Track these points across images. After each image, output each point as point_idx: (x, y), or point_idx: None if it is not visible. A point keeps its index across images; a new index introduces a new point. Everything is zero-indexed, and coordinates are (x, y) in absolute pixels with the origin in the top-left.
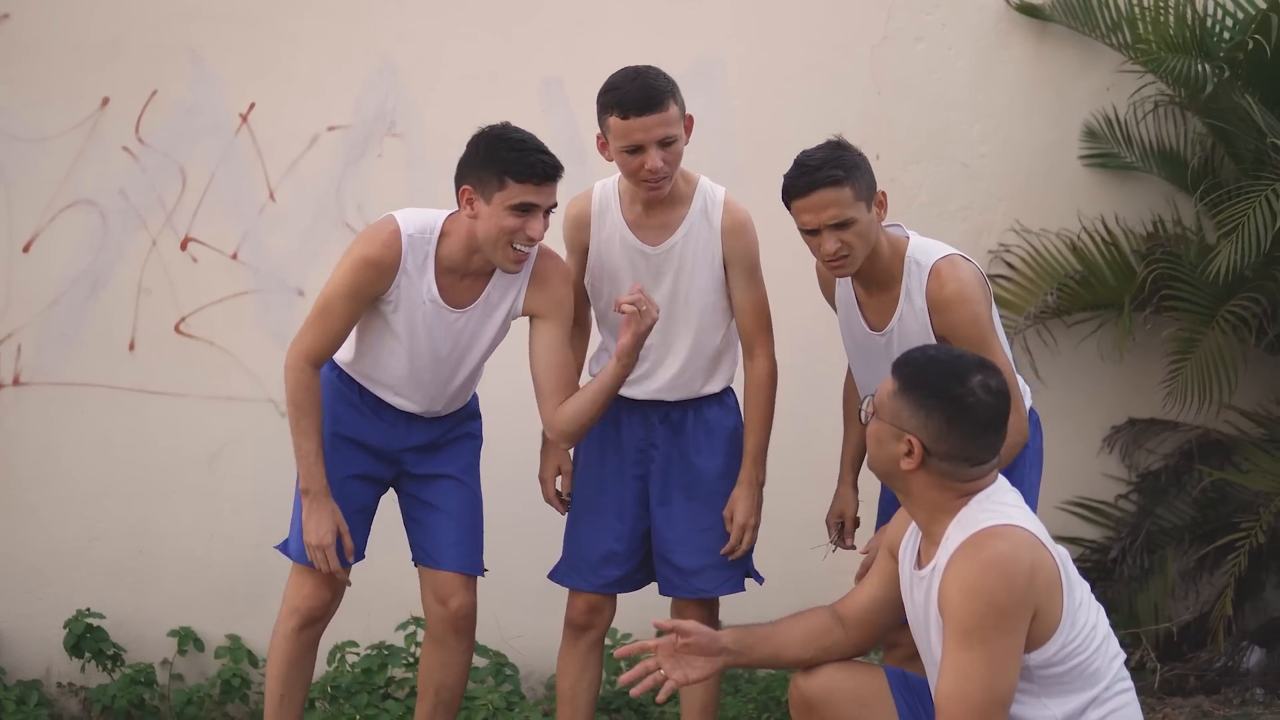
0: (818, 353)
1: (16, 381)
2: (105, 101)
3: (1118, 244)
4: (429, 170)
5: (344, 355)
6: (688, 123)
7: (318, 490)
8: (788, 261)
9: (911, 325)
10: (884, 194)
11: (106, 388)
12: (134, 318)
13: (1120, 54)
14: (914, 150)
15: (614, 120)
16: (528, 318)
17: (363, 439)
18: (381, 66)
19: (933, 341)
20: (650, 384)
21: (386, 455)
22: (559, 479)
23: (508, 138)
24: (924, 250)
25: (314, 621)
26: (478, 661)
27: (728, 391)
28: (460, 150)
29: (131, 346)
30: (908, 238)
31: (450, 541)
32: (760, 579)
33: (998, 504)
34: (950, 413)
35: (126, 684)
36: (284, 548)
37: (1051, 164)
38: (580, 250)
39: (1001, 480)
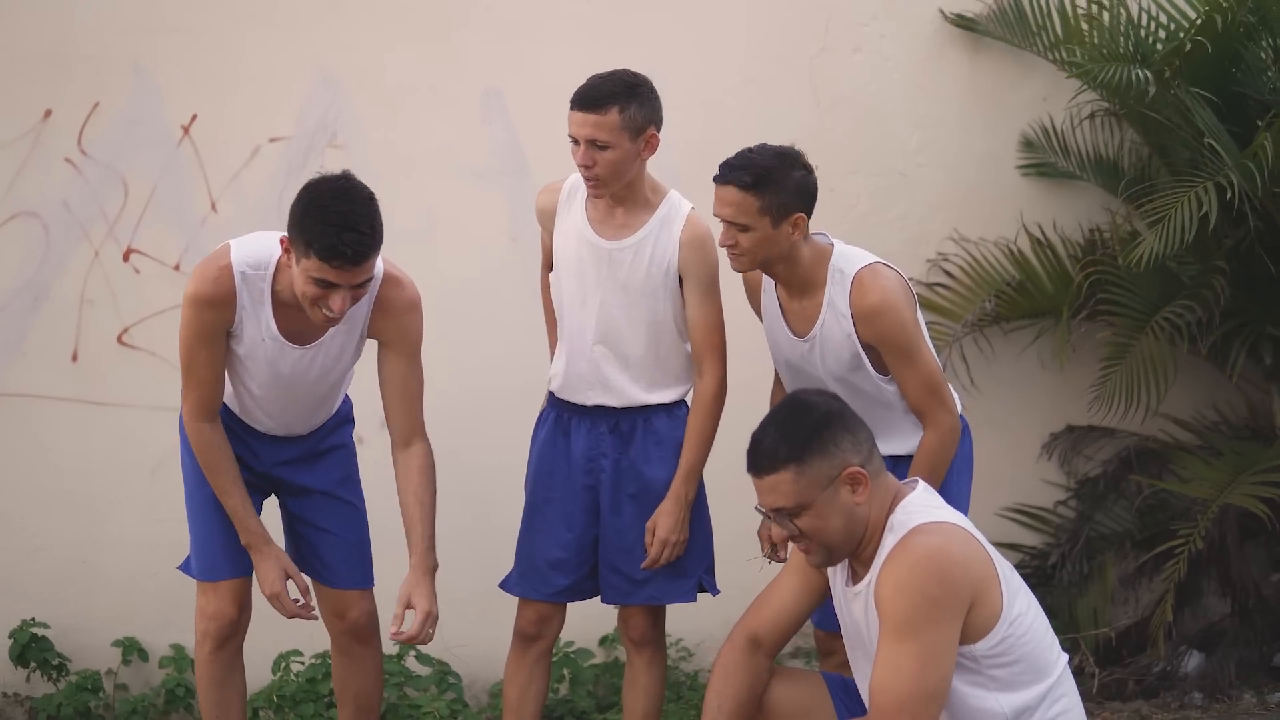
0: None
1: None
2: (48, 113)
3: (1055, 252)
4: (371, 181)
5: None
6: (649, 139)
7: (256, 542)
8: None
9: (835, 332)
10: (804, 219)
11: (50, 399)
12: (77, 329)
13: (1056, 66)
14: (852, 160)
15: (570, 108)
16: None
17: (241, 455)
18: (323, 78)
19: (855, 350)
20: (596, 392)
21: (261, 473)
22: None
23: (323, 208)
24: (847, 259)
25: (227, 640)
26: (420, 670)
27: (679, 404)
28: (403, 163)
29: (75, 357)
30: (832, 245)
31: (338, 560)
32: (715, 591)
33: (922, 506)
34: (840, 424)
35: (72, 693)
36: (185, 567)
37: (989, 173)
38: (548, 231)
39: (920, 484)
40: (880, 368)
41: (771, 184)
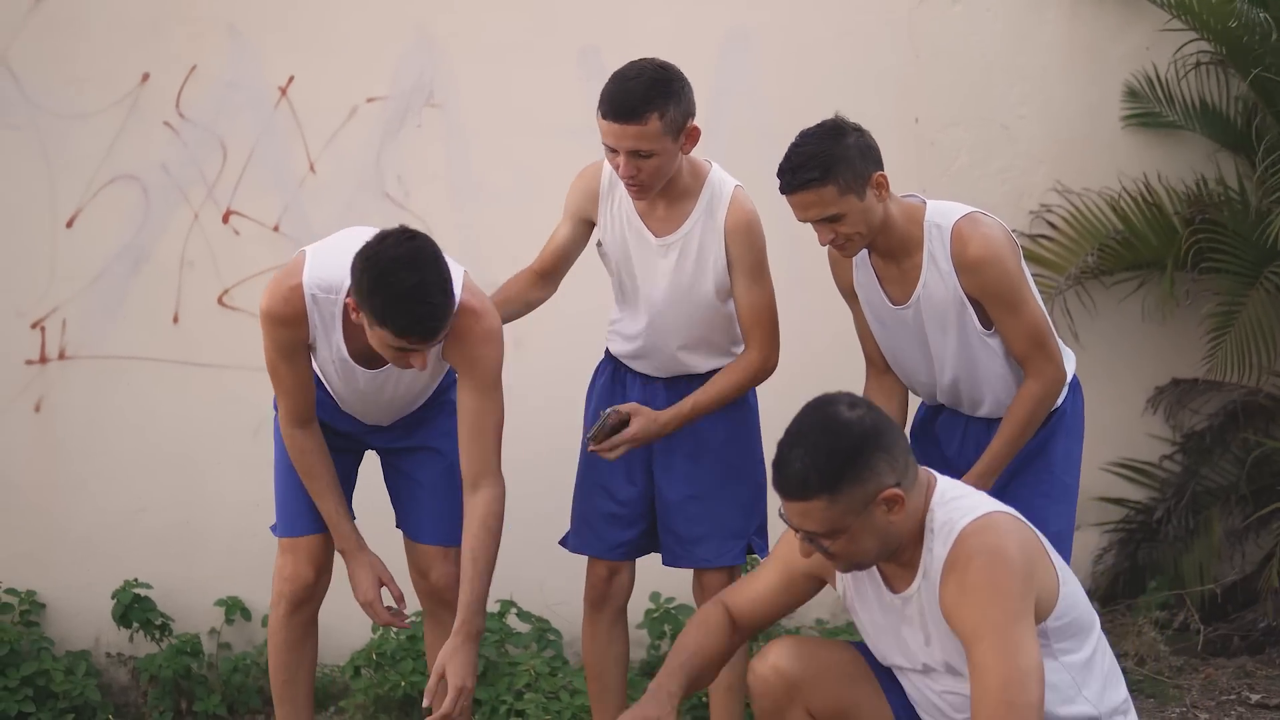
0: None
1: (62, 356)
2: (145, 77)
3: (1159, 203)
4: (467, 141)
5: None
6: (691, 133)
7: (350, 548)
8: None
9: (938, 291)
10: (883, 176)
11: (151, 360)
12: (177, 291)
13: (1162, 12)
14: (953, 113)
15: (599, 115)
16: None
17: (326, 421)
18: (419, 37)
19: (964, 305)
20: (648, 366)
21: (349, 435)
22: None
23: (392, 282)
24: (943, 213)
25: (302, 603)
26: (520, 627)
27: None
28: (500, 122)
29: (175, 319)
30: (924, 203)
31: (425, 514)
32: (765, 553)
33: (954, 499)
34: (875, 444)
35: (174, 653)
36: (274, 528)
37: (1092, 124)
38: (578, 219)
39: (939, 477)
40: (985, 322)
41: (836, 163)
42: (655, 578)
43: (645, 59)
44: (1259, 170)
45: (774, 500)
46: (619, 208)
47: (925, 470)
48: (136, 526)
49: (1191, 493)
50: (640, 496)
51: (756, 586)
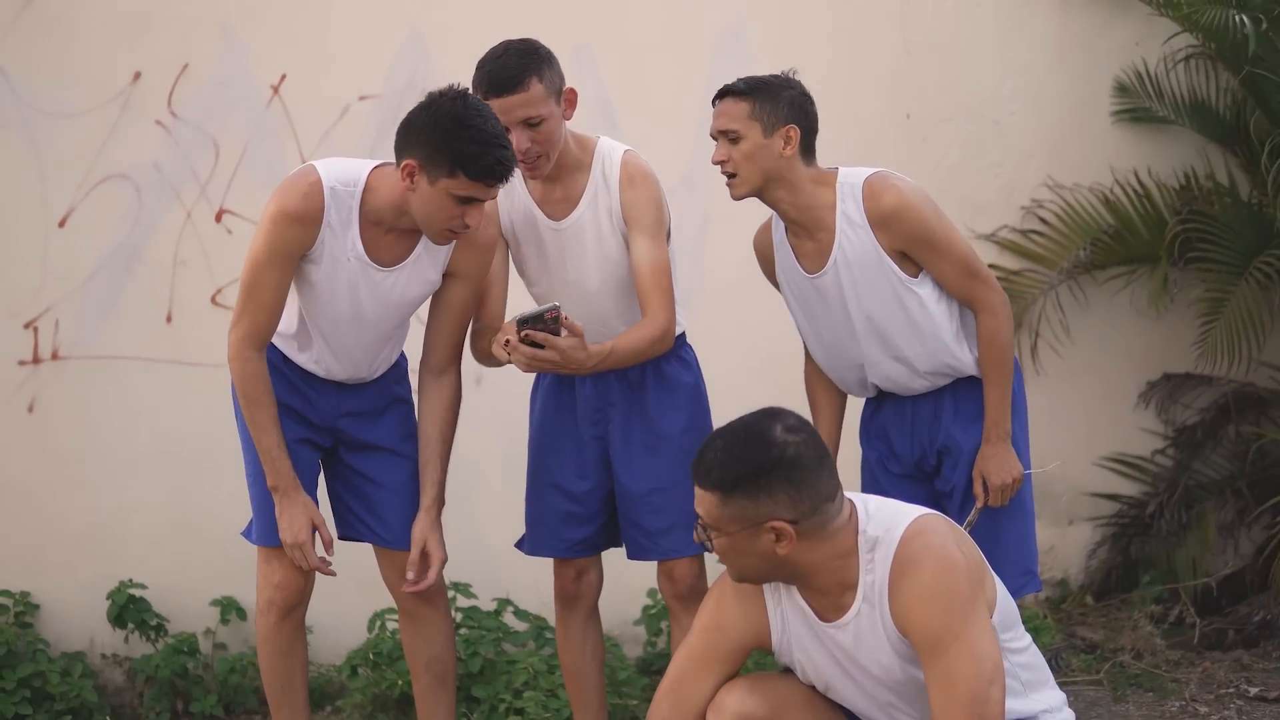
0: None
1: (55, 356)
2: (137, 76)
3: (1151, 197)
4: None
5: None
6: (568, 96)
7: (286, 486)
8: None
9: (854, 250)
10: (794, 131)
11: (144, 360)
12: (170, 290)
13: (1149, 7)
14: (944, 108)
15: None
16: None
17: (298, 408)
18: (411, 35)
19: (881, 256)
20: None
21: (322, 426)
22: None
23: (470, 125)
24: (854, 173)
25: (293, 608)
26: (518, 625)
27: (684, 346)
28: None
29: (168, 319)
30: (836, 169)
31: (399, 518)
32: None
33: (878, 511)
34: (786, 475)
35: (170, 654)
36: (247, 534)
37: (1082, 119)
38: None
39: (857, 500)
40: (909, 271)
41: (764, 91)
42: (651, 575)
43: (502, 42)
44: (1271, 175)
45: None
46: (518, 204)
47: (848, 501)
48: (131, 526)
49: (1184, 487)
50: (595, 490)
51: (700, 692)
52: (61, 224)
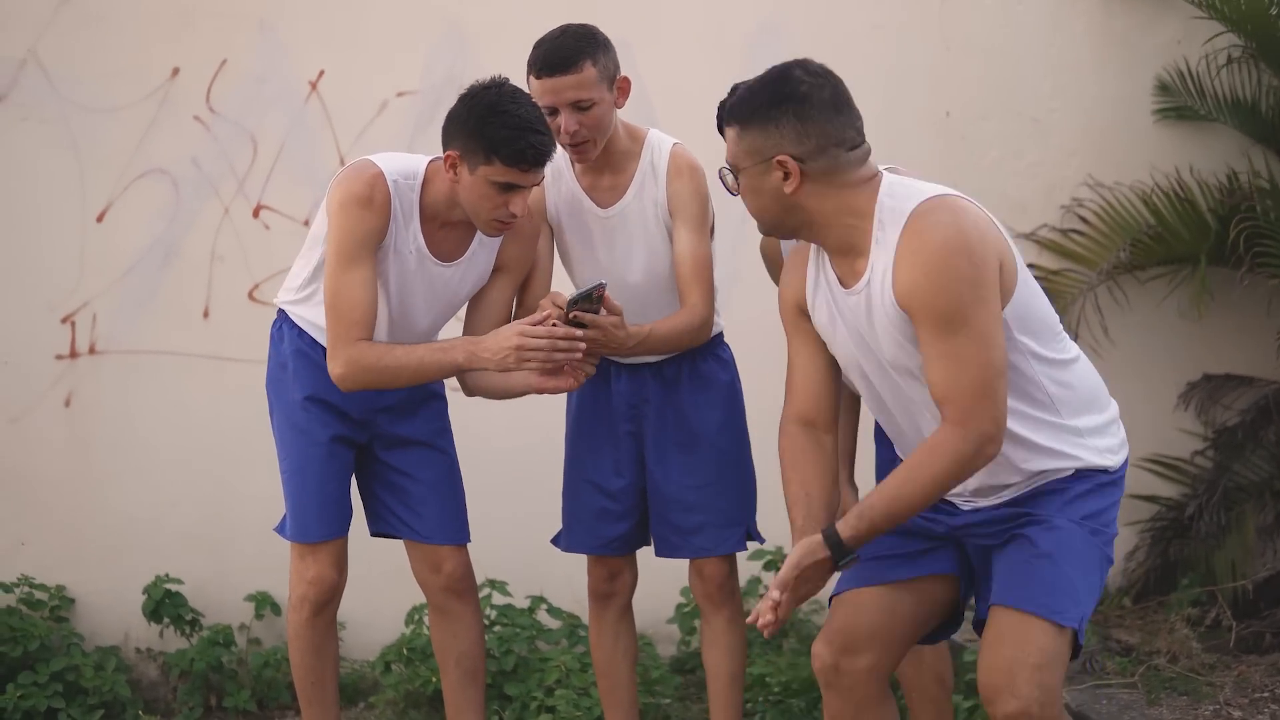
0: None
1: (92, 350)
2: (175, 72)
3: (1192, 197)
4: None
5: (313, 315)
6: (621, 84)
7: (459, 343)
8: None
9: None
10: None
11: (181, 355)
12: (208, 285)
13: (1192, 6)
14: (984, 106)
15: (532, 79)
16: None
17: (336, 402)
18: (449, 31)
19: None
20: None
21: (359, 420)
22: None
23: (503, 111)
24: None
25: (326, 604)
26: (551, 623)
27: (721, 344)
28: None
29: (206, 314)
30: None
31: (433, 513)
32: (761, 539)
33: (903, 185)
34: (795, 110)
35: (204, 648)
36: (280, 529)
37: (1123, 117)
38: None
39: (886, 174)
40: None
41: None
42: (685, 574)
43: (561, 25)
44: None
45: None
46: (566, 191)
47: (880, 171)
48: (167, 522)
49: (1223, 489)
50: (630, 488)
51: (800, 374)
52: (99, 219)
